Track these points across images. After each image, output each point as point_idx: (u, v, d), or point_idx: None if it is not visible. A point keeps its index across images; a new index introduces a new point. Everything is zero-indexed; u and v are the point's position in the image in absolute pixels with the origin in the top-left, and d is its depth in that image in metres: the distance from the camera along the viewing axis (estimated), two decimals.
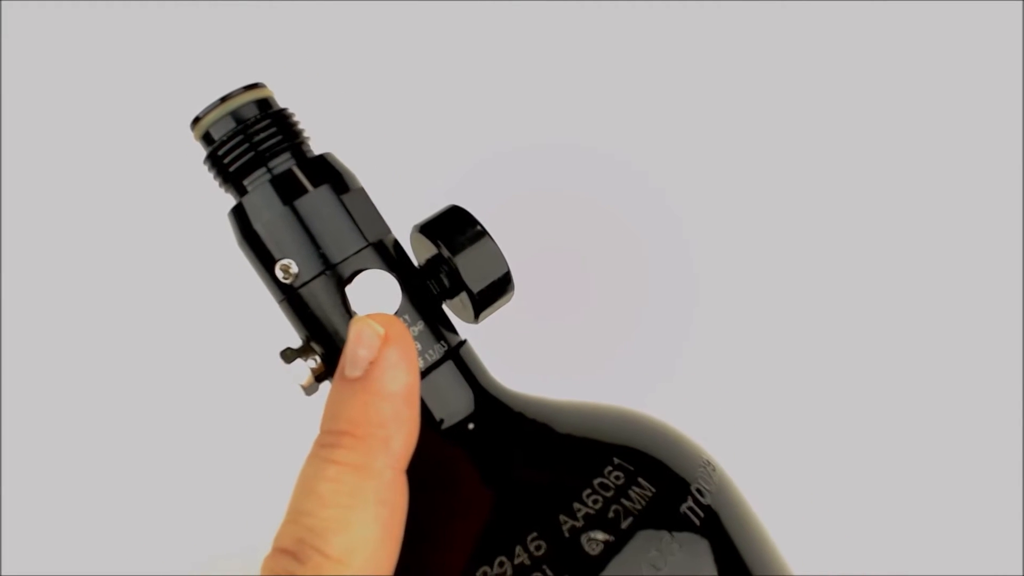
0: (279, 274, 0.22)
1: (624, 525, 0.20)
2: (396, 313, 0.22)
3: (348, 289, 0.22)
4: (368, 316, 0.21)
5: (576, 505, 0.20)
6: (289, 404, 0.36)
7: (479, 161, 0.38)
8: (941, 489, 0.38)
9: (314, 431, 0.22)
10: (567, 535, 0.20)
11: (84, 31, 0.39)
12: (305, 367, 0.22)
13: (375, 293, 0.22)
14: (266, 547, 0.20)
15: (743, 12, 0.40)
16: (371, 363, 0.21)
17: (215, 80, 0.24)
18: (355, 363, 0.21)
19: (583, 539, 0.20)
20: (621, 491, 0.21)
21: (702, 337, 0.40)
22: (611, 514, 0.20)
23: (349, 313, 0.22)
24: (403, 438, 0.21)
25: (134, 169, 0.39)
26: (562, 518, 0.20)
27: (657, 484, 0.21)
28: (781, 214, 0.40)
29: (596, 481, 0.21)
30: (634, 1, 0.40)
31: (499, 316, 0.25)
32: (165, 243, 0.39)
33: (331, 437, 0.21)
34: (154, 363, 0.39)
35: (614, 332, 0.40)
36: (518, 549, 0.20)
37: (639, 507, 0.21)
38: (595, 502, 0.21)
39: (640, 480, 0.21)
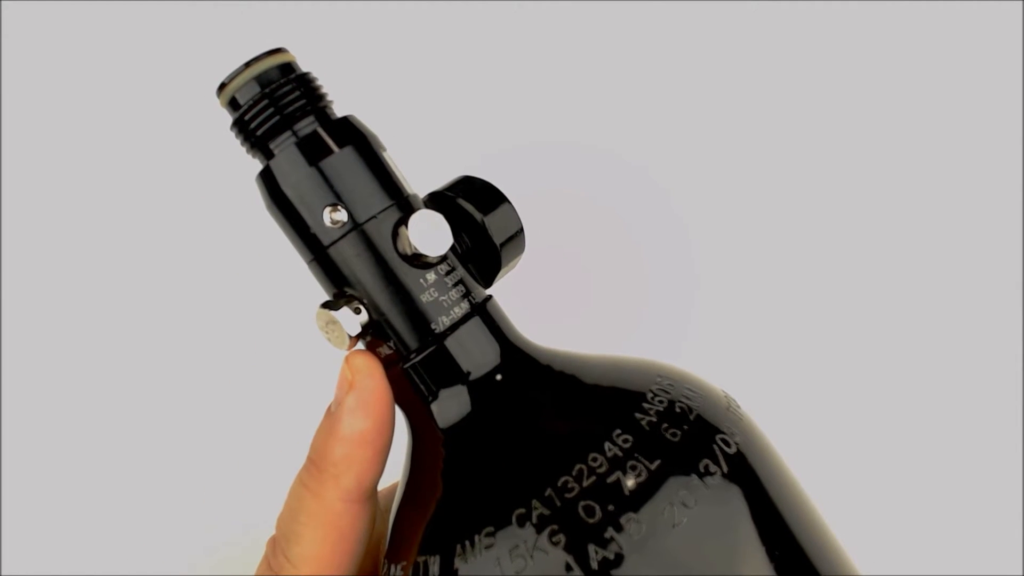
0: (326, 220, 0.23)
1: (651, 469, 0.20)
2: (439, 260, 0.23)
3: (403, 229, 0.23)
4: (348, 358, 0.24)
5: (601, 451, 0.21)
6: (283, 396, 0.36)
7: (479, 160, 0.39)
8: (941, 488, 0.39)
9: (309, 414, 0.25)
10: (592, 482, 0.20)
11: (84, 26, 0.39)
12: (352, 314, 0.23)
13: (429, 231, 0.23)
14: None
15: (743, 12, 0.41)
16: (338, 404, 0.23)
17: (213, 80, 0.25)
18: (335, 399, 0.24)
19: (609, 483, 0.20)
20: (647, 438, 0.21)
21: (701, 338, 0.40)
22: (637, 459, 0.20)
23: (401, 255, 0.23)
24: (353, 477, 0.23)
25: (131, 167, 0.39)
26: (587, 464, 0.20)
27: (684, 429, 0.21)
28: (783, 214, 0.41)
29: (621, 427, 0.21)
30: (634, 1, 0.41)
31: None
32: (161, 238, 0.39)
33: (306, 461, 0.24)
34: (154, 358, 0.38)
35: (613, 333, 0.40)
36: (548, 492, 0.20)
37: (665, 452, 0.21)
38: (621, 448, 0.21)
39: (666, 427, 0.21)
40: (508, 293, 0.26)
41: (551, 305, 0.40)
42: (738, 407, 0.24)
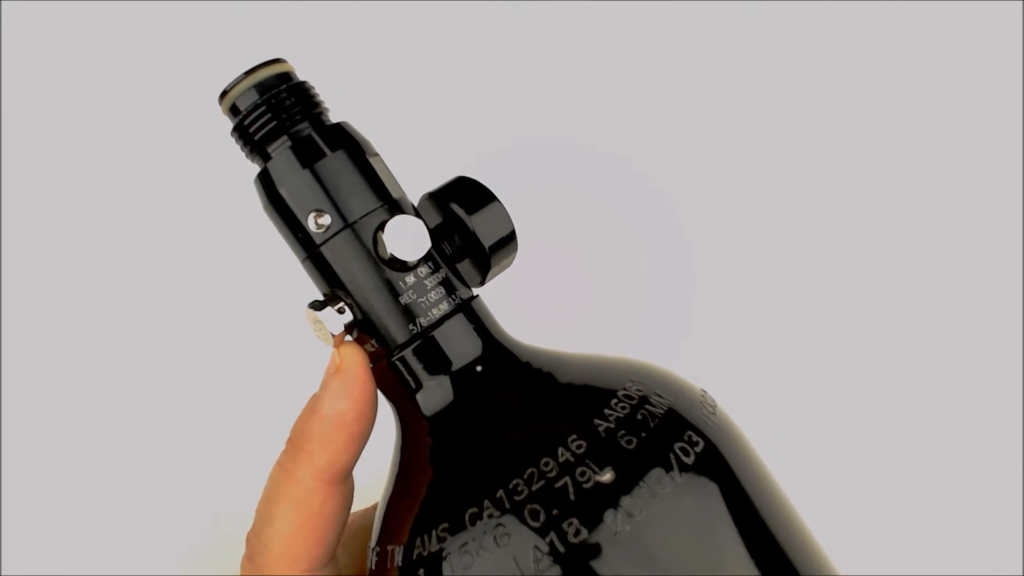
0: (311, 225, 0.24)
1: (598, 478, 0.21)
2: (417, 263, 0.24)
3: (381, 235, 0.24)
4: (338, 347, 0.24)
5: (554, 456, 0.21)
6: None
7: (479, 160, 0.39)
8: (941, 487, 0.39)
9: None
10: (540, 486, 0.21)
11: (84, 27, 0.40)
12: (335, 314, 0.24)
13: (406, 237, 0.24)
14: None
15: (743, 12, 0.41)
16: (322, 387, 0.24)
17: (213, 83, 0.26)
18: (320, 384, 0.25)
19: (556, 488, 0.21)
20: (600, 444, 0.22)
21: (700, 338, 0.41)
22: (587, 466, 0.21)
23: (380, 259, 0.24)
24: (328, 457, 0.24)
25: (130, 166, 0.40)
26: (539, 468, 0.21)
27: (640, 437, 0.22)
28: (782, 214, 0.41)
29: (577, 433, 0.22)
30: (634, 1, 0.41)
31: (497, 315, 0.26)
32: (157, 232, 0.40)
33: (286, 443, 0.25)
34: (155, 357, 0.39)
35: (612, 333, 0.41)
36: (499, 494, 0.21)
37: (616, 460, 0.21)
38: (573, 453, 0.21)
39: (622, 434, 0.22)
40: (506, 294, 0.27)
41: (549, 306, 0.40)
42: (712, 408, 0.24)
